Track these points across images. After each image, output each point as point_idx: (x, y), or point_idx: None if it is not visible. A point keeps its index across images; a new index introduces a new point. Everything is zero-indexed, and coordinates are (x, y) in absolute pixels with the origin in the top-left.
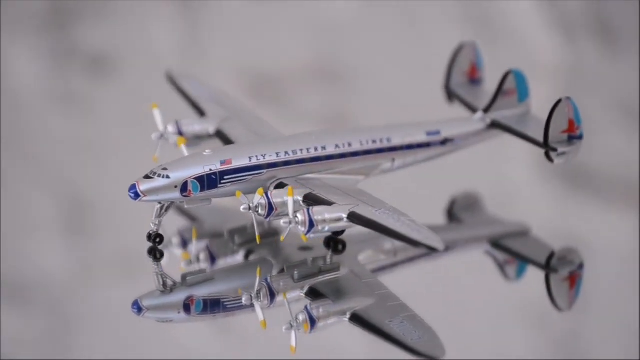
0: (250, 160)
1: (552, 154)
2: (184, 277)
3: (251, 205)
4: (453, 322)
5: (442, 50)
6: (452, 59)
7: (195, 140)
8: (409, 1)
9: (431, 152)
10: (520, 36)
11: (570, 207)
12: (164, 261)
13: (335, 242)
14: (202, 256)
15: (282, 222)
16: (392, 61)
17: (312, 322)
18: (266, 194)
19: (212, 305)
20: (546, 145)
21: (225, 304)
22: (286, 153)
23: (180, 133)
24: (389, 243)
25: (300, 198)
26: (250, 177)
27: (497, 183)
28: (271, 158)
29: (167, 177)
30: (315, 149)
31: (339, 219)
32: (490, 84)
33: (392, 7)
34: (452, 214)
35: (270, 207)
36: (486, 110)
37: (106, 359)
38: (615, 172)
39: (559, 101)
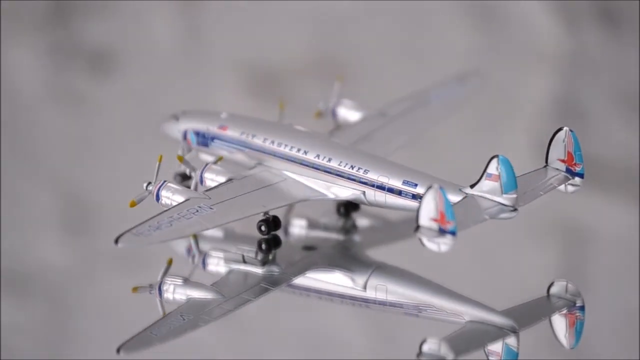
0: (240, 135)
1: (420, 236)
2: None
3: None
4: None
5: (445, 42)
6: (549, 142)
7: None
8: None
9: (400, 201)
10: (522, 23)
11: (571, 196)
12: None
13: (266, 240)
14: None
15: (144, 184)
16: (394, 55)
17: (160, 292)
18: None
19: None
20: (415, 227)
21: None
22: (272, 142)
23: (334, 111)
24: (361, 278)
25: (224, 179)
26: (235, 149)
27: None
28: (257, 140)
29: (177, 120)
30: (298, 150)
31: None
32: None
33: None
34: (548, 293)
35: (201, 179)
36: (472, 186)
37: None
38: (616, 161)
39: (430, 187)
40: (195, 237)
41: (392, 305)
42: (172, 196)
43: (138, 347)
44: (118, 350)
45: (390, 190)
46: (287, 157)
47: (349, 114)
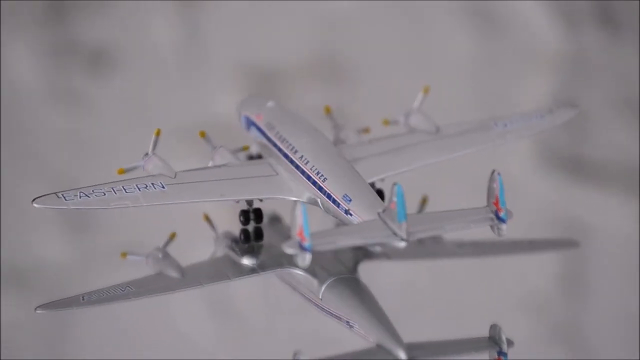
0: (265, 125)
1: (286, 248)
2: None
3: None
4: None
5: (444, 45)
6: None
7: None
8: None
9: (336, 212)
10: (522, 26)
11: (571, 195)
12: None
13: (244, 231)
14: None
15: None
16: (394, 56)
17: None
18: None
19: None
20: (286, 239)
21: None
22: (280, 137)
23: (408, 120)
24: (319, 285)
25: (220, 165)
26: (257, 137)
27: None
28: (272, 132)
29: (239, 105)
30: (292, 148)
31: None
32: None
33: (393, 0)
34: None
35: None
36: (384, 210)
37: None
38: (616, 160)
39: (296, 202)
40: (208, 219)
41: (335, 316)
42: (150, 170)
43: (57, 307)
44: (36, 309)
45: (334, 202)
46: (284, 153)
47: (420, 125)
